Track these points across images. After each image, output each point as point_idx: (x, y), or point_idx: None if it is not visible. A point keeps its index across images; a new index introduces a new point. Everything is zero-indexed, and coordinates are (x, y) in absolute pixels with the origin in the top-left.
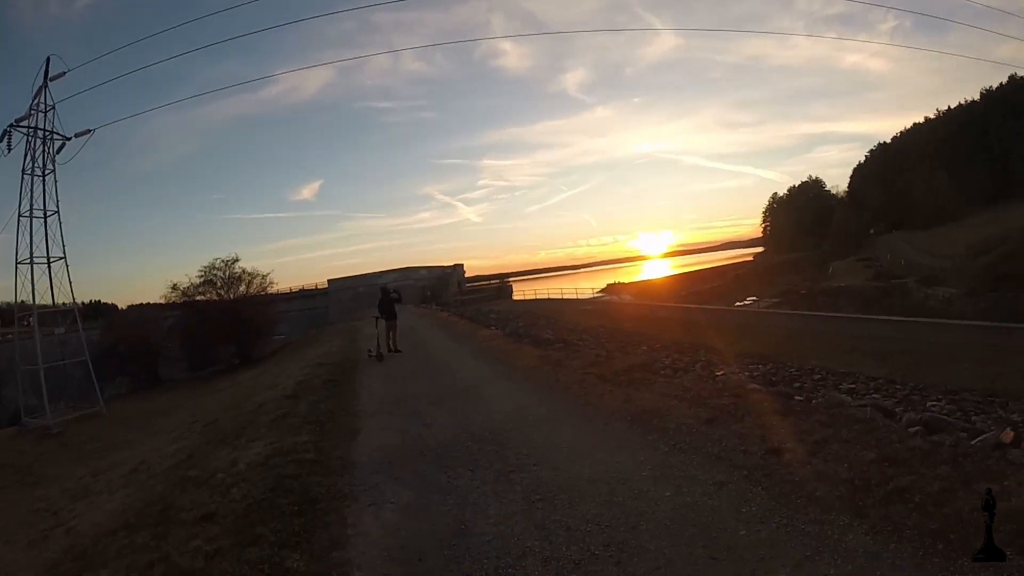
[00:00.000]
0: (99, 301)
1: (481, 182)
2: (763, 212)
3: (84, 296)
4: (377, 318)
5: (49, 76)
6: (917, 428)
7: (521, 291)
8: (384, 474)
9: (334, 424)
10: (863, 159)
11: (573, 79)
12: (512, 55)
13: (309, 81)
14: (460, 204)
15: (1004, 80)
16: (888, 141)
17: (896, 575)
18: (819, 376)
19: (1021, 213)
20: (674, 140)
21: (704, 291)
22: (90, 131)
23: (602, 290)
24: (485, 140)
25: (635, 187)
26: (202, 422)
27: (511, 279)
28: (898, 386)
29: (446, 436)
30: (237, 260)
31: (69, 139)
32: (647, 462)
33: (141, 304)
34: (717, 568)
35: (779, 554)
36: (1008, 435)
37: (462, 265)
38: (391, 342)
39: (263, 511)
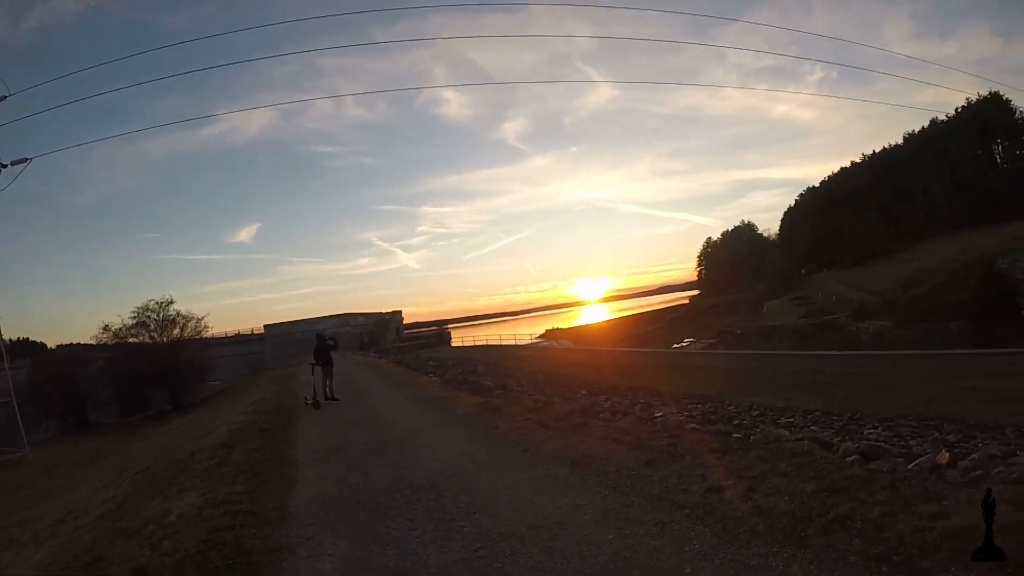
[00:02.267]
0: (27, 339)
1: (420, 229)
2: (698, 256)
3: (11, 333)
4: (313, 365)
5: None
6: (855, 457)
7: (460, 337)
8: (321, 525)
9: (270, 473)
10: (793, 203)
11: (513, 128)
12: (453, 103)
13: (251, 122)
14: (399, 250)
15: (926, 124)
16: (817, 185)
17: None
18: (757, 412)
19: (945, 248)
20: (611, 188)
21: (642, 334)
22: (27, 160)
23: (541, 336)
24: (425, 187)
25: (573, 234)
26: (132, 470)
27: (450, 326)
28: (835, 417)
29: (384, 485)
30: (172, 302)
31: (5, 166)
32: (588, 506)
33: (71, 344)
34: None
35: None
36: (944, 457)
37: (400, 312)
38: (328, 390)
39: (196, 565)
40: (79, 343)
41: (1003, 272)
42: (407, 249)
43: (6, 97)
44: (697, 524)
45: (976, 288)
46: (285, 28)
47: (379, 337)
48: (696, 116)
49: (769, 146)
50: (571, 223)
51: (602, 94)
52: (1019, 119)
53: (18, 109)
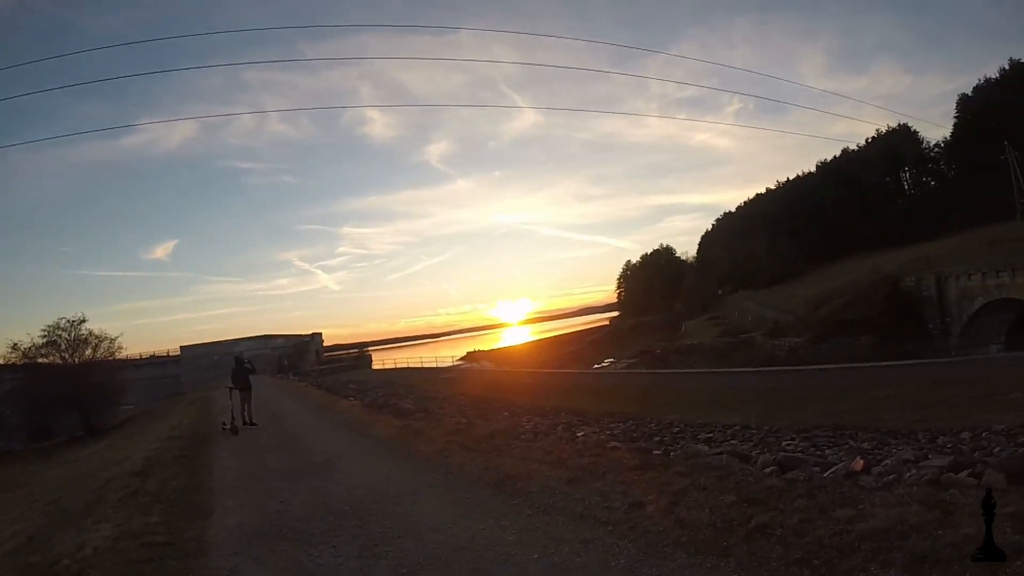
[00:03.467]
0: None
1: (341, 249)
2: (618, 278)
3: None
4: (231, 389)
5: None
6: (772, 468)
7: (381, 360)
8: (242, 555)
9: (187, 502)
10: (710, 227)
11: (436, 150)
12: (378, 123)
13: (172, 134)
14: (319, 271)
15: (838, 153)
16: (733, 210)
17: None
18: (678, 429)
19: (854, 269)
20: (532, 212)
21: (563, 355)
22: None
23: (462, 358)
24: (346, 207)
25: (494, 257)
26: (43, 500)
27: (371, 348)
28: (754, 430)
29: (306, 512)
30: (84, 321)
31: None
32: (512, 526)
33: None
34: None
35: None
36: (858, 463)
37: (320, 334)
38: (246, 414)
39: None
40: None
41: (909, 289)
42: (327, 270)
43: None
44: (621, 540)
45: (884, 305)
46: (212, 39)
47: (299, 359)
48: (617, 143)
49: (687, 173)
50: (493, 246)
51: (526, 119)
52: (925, 149)
53: None
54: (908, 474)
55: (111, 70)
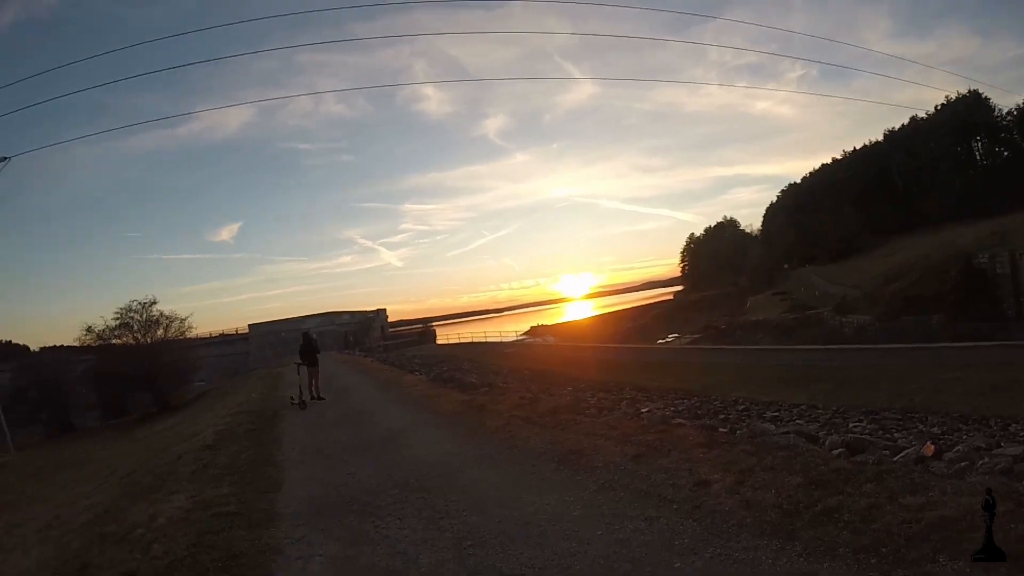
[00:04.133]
0: (9, 342)
1: (403, 226)
2: (681, 252)
3: None
4: (299, 364)
5: None
6: (840, 450)
7: (445, 335)
8: (310, 526)
9: (256, 475)
10: (774, 199)
11: (493, 125)
12: (433, 100)
13: (230, 119)
14: (382, 248)
15: (905, 121)
16: (798, 181)
17: None
18: (743, 407)
19: (924, 243)
20: (591, 184)
21: (626, 330)
22: (5, 159)
23: (526, 333)
24: (406, 184)
25: (555, 231)
26: (119, 474)
27: (435, 323)
28: (820, 410)
29: (372, 485)
30: (155, 302)
31: None
32: (576, 501)
33: (54, 347)
34: None
35: None
36: (929, 448)
37: (385, 310)
38: (314, 389)
39: (186, 568)
40: (62, 345)
41: (982, 267)
42: (390, 247)
43: None
44: (685, 518)
45: (956, 283)
46: (263, 24)
47: (364, 335)
48: (676, 113)
49: (749, 143)
50: (553, 219)
51: (582, 90)
52: (997, 117)
53: None
54: (980, 462)
55: (164, 61)
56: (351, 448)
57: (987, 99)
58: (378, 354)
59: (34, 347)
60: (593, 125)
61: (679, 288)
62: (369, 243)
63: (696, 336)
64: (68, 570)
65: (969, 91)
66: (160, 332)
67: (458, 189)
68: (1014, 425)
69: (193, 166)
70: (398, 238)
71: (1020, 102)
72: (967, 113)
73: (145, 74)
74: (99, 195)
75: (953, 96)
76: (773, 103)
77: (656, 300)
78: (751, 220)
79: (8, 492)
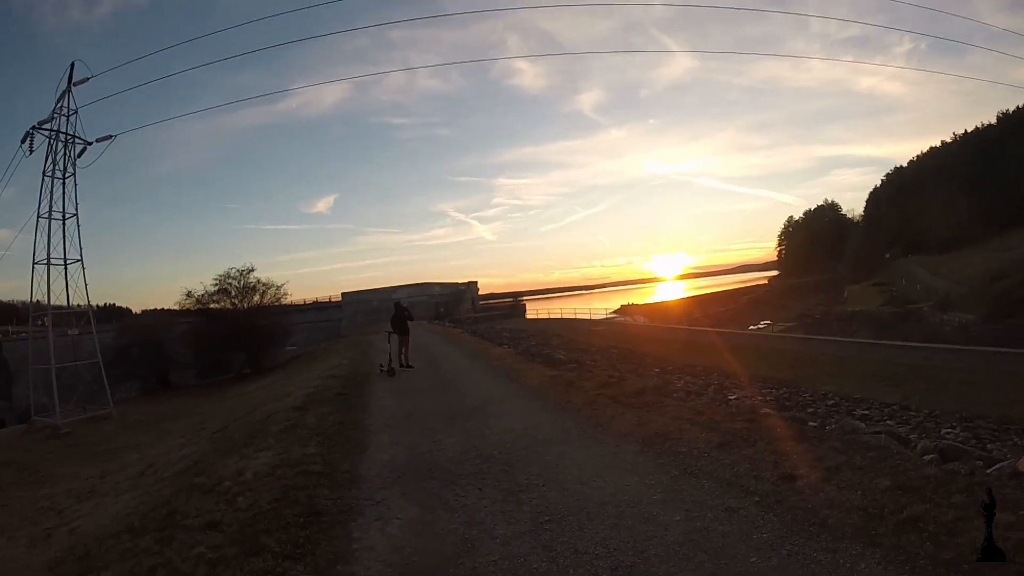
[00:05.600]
0: (113, 304)
1: (495, 200)
2: (778, 235)
3: (99, 299)
4: (390, 333)
5: (73, 81)
6: (932, 456)
7: (534, 310)
8: (391, 489)
9: (343, 437)
10: (879, 183)
11: (588, 100)
12: (527, 74)
13: (325, 95)
14: (474, 221)
15: (1021, 103)
16: (904, 165)
17: None
18: (833, 402)
19: None
20: (688, 162)
21: (718, 314)
22: (111, 137)
23: (615, 311)
24: (499, 159)
25: (649, 208)
26: (211, 429)
27: (524, 298)
28: (912, 412)
29: (455, 453)
30: (252, 270)
31: (90, 143)
32: (657, 485)
33: (155, 309)
34: None
35: None
36: None
37: (476, 282)
38: (403, 357)
39: (268, 521)
40: (163, 308)
41: None
42: (482, 220)
43: (89, 79)
44: (766, 512)
45: None
46: (356, 1)
47: (454, 307)
48: (777, 88)
49: (854, 121)
50: (647, 197)
51: (679, 64)
52: None
53: (100, 90)
54: None
55: (260, 40)
56: (437, 416)
57: None
58: (468, 326)
59: (136, 310)
60: (691, 100)
61: (774, 273)
62: (462, 216)
63: (790, 324)
64: (155, 516)
65: None
66: (256, 298)
67: (552, 164)
68: None
69: (291, 141)
70: (491, 212)
71: None
72: None
73: (243, 54)
74: (201, 169)
75: None
76: (880, 79)
77: (750, 284)
78: (853, 204)
79: (105, 442)
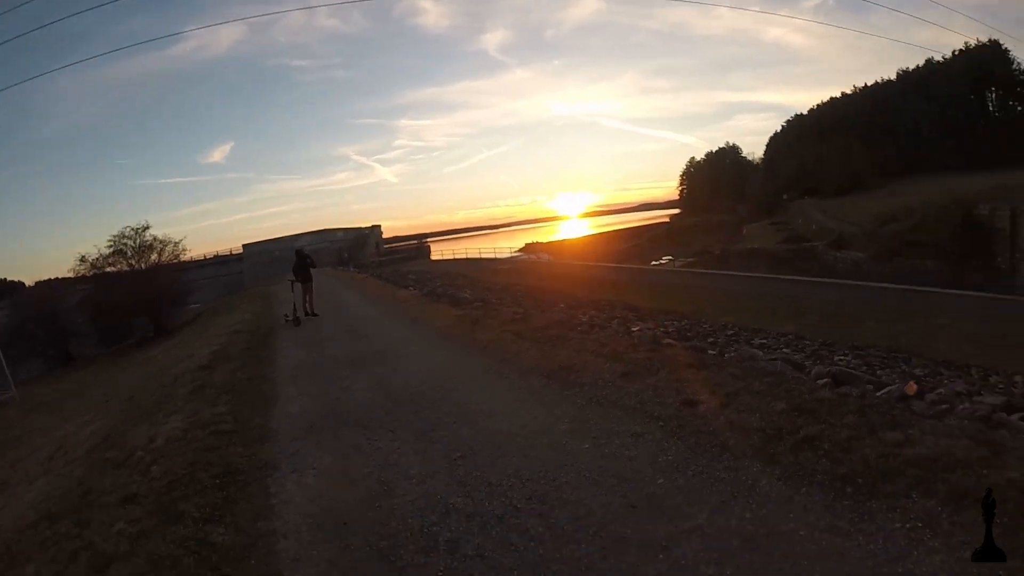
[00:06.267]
0: (4, 279)
1: (398, 143)
2: (681, 175)
3: None
4: (293, 282)
5: None
6: (826, 380)
7: (440, 251)
8: (304, 440)
9: (252, 392)
10: (780, 129)
11: (493, 39)
12: (431, 13)
13: (219, 38)
14: (377, 165)
15: (921, 63)
16: (805, 113)
17: (807, 517)
18: (732, 332)
19: (927, 187)
20: (594, 103)
21: (621, 251)
22: None
23: (520, 250)
24: (402, 100)
25: (554, 149)
26: (118, 399)
27: (429, 239)
28: (807, 341)
29: (365, 399)
30: (148, 228)
31: None
32: (564, 416)
33: (49, 280)
34: (636, 516)
35: (696, 501)
36: (912, 387)
37: (379, 226)
38: (308, 306)
39: (185, 487)
40: (57, 278)
41: (983, 219)
42: (385, 163)
43: None
44: (671, 436)
45: (955, 231)
46: None
47: (358, 252)
48: (685, 34)
49: (758, 69)
50: (552, 137)
51: (586, 6)
52: (1015, 70)
53: None
54: (960, 407)
55: None
56: (345, 363)
57: (1007, 51)
58: (373, 270)
59: (29, 282)
60: (598, 42)
61: (676, 212)
62: (364, 159)
63: (691, 260)
64: (71, 498)
65: (989, 40)
66: (154, 257)
67: (456, 105)
68: (994, 376)
69: (183, 88)
70: (393, 154)
71: None
72: (985, 62)
73: None
74: (87, 124)
75: (973, 43)
76: (787, 31)
77: (653, 222)
78: (754, 148)
79: (11, 428)
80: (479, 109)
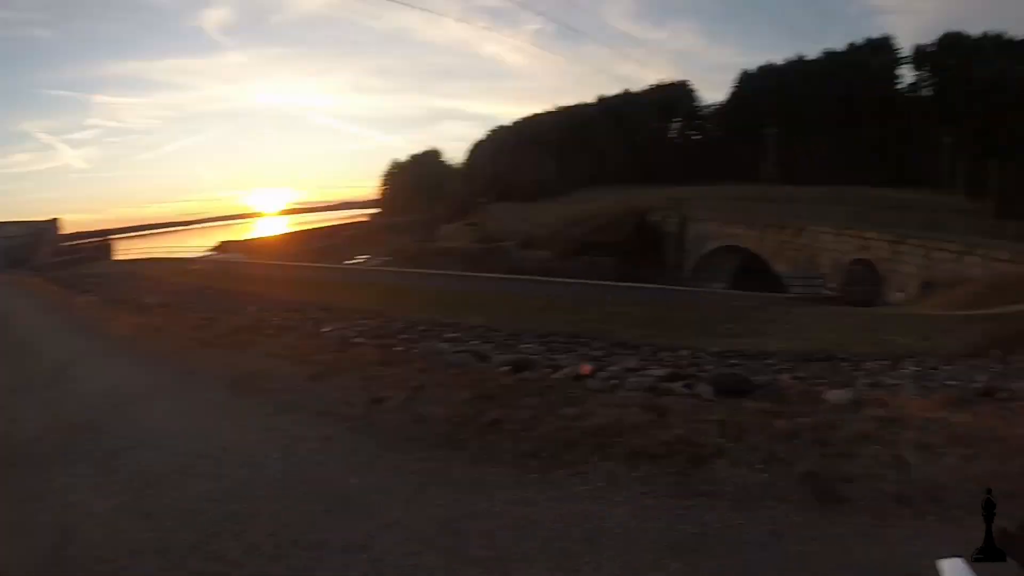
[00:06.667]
0: None
1: (91, 121)
2: (383, 176)
3: None
4: None
5: None
6: (507, 367)
7: (127, 249)
8: None
9: None
10: (483, 136)
11: (214, 16)
12: None
13: None
14: (64, 145)
15: (620, 91)
16: (509, 124)
17: (499, 494)
18: (424, 328)
19: (611, 198)
20: (306, 97)
21: (319, 249)
22: None
23: (214, 248)
24: (103, 71)
25: (257, 141)
26: None
27: (117, 236)
28: (497, 332)
29: (35, 431)
30: None
31: None
32: (253, 427)
33: None
34: (333, 519)
35: (390, 495)
36: (585, 368)
37: (57, 220)
38: None
39: None
40: None
41: (654, 224)
42: (74, 144)
43: None
44: (361, 435)
45: (631, 234)
46: None
47: (35, 251)
48: (407, 38)
49: (472, 80)
50: (257, 128)
51: None
52: (697, 106)
53: None
54: (629, 380)
55: None
56: (10, 388)
57: (692, 90)
58: (48, 272)
59: None
60: (321, 36)
61: (376, 211)
62: (50, 139)
63: (387, 259)
64: None
65: (679, 80)
66: None
67: (160, 83)
68: (663, 353)
69: None
70: (84, 134)
71: (719, 99)
72: (674, 97)
73: None
74: None
75: (667, 81)
76: (504, 49)
77: (352, 221)
78: (458, 154)
79: None
80: (185, 91)
